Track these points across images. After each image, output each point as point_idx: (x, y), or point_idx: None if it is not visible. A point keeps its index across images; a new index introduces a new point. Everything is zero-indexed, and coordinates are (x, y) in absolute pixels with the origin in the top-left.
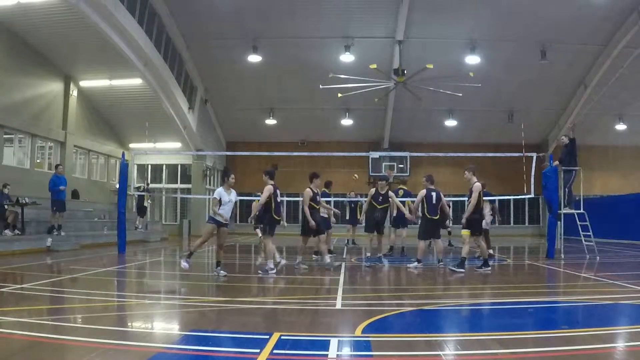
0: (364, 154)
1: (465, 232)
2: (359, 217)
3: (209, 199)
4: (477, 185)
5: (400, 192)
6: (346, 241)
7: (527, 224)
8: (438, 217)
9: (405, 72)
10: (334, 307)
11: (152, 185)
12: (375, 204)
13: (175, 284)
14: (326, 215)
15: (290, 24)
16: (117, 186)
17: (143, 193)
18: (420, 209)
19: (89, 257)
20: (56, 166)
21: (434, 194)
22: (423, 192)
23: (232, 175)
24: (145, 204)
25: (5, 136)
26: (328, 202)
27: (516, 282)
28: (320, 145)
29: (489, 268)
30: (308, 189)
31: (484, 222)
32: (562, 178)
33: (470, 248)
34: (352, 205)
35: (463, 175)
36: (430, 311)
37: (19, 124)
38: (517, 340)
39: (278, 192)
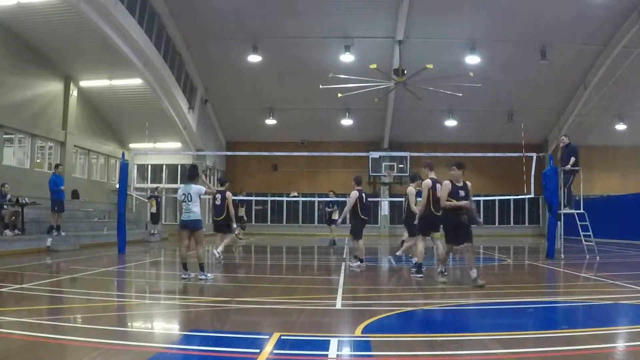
0: (364, 154)
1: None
2: (336, 217)
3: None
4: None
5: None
6: (330, 242)
7: (527, 224)
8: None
9: (405, 72)
10: (334, 307)
11: (153, 185)
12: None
13: (175, 284)
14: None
15: (290, 24)
16: (117, 186)
17: (152, 197)
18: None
19: (89, 257)
20: (56, 166)
21: (438, 185)
22: (428, 182)
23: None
24: (153, 209)
25: (5, 136)
26: (333, 204)
27: (516, 282)
28: (320, 145)
29: (421, 275)
30: (411, 187)
31: None
32: (562, 178)
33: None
34: (331, 206)
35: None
36: (430, 311)
37: (19, 124)
38: (517, 340)
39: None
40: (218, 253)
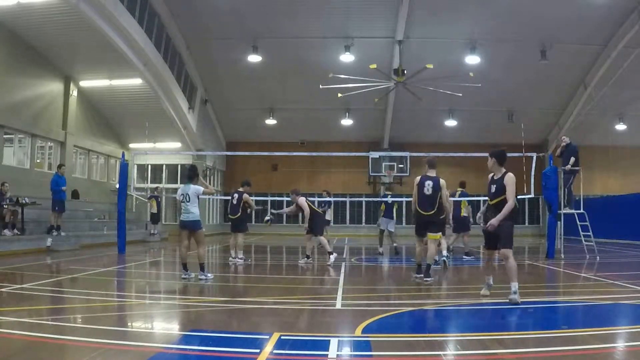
0: (364, 154)
1: (437, 236)
2: (330, 217)
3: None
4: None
5: (458, 192)
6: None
7: (527, 224)
8: (433, 212)
9: (405, 72)
10: (334, 307)
11: (152, 185)
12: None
13: (175, 284)
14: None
15: (290, 24)
16: (117, 186)
17: (153, 197)
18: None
19: (89, 257)
20: (59, 166)
21: (429, 182)
22: (417, 178)
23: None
24: (153, 210)
25: (5, 136)
26: (326, 204)
27: None
28: (320, 145)
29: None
30: (443, 181)
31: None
32: (562, 178)
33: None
34: (324, 206)
35: (459, 174)
36: (430, 311)
37: (19, 124)
38: (517, 340)
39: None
40: (241, 259)
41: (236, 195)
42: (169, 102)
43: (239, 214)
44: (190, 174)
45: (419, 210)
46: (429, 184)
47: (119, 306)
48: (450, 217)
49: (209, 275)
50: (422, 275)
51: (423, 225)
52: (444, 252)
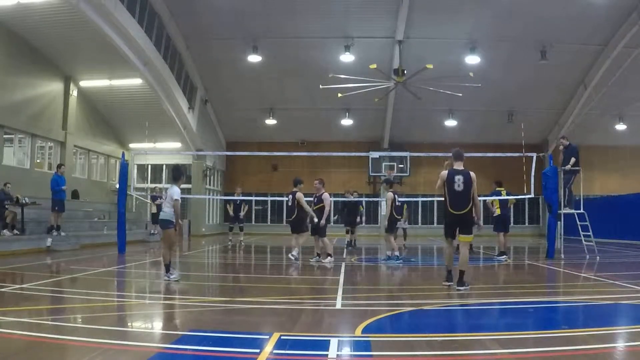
0: (364, 154)
1: (469, 238)
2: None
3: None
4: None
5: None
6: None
7: (527, 224)
8: (466, 211)
9: (405, 72)
10: (334, 307)
11: (152, 186)
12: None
13: (174, 284)
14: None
15: (290, 24)
16: (117, 186)
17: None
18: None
19: (89, 257)
20: (58, 166)
21: (459, 177)
22: (444, 173)
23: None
24: (153, 210)
25: (5, 136)
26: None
27: (516, 282)
28: (320, 145)
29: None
30: (473, 174)
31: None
32: (562, 178)
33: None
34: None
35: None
36: (430, 311)
37: (19, 124)
38: (517, 340)
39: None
40: (293, 256)
41: (290, 196)
42: (169, 102)
43: (295, 215)
44: (175, 175)
45: (450, 209)
46: (459, 179)
47: (119, 306)
48: (481, 216)
49: (172, 276)
50: (452, 282)
51: (454, 226)
52: (396, 253)
